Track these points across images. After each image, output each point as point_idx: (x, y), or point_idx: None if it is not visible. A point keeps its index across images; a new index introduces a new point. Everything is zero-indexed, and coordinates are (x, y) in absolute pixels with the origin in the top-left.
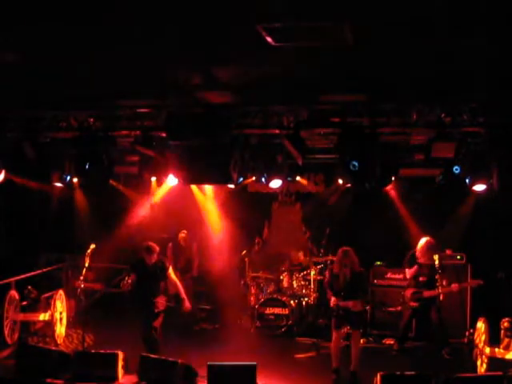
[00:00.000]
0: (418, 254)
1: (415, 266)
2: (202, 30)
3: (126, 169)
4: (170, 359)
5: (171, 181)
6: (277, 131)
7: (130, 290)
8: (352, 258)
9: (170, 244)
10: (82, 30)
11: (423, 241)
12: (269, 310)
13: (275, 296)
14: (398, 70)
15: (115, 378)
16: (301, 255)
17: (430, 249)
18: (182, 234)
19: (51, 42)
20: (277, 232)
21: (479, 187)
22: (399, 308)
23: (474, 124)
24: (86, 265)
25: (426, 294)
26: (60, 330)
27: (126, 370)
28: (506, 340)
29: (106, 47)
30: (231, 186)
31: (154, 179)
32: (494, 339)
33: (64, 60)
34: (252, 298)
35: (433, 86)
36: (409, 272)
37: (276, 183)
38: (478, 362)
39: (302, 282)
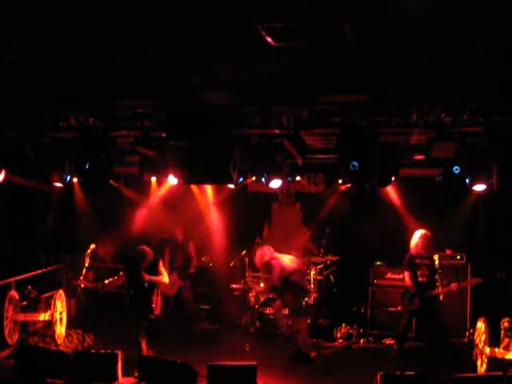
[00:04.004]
0: (413, 249)
1: (408, 271)
2: (202, 30)
3: (126, 169)
4: (170, 359)
5: (171, 181)
6: (277, 131)
7: None
8: None
9: (168, 247)
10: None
11: (417, 234)
12: (269, 310)
13: (275, 296)
14: (397, 69)
15: (115, 378)
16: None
17: (425, 241)
18: (179, 231)
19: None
20: (277, 232)
21: (479, 187)
22: (399, 308)
23: (474, 124)
24: (86, 265)
25: (427, 294)
26: (60, 330)
27: (126, 370)
28: (506, 340)
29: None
30: (231, 185)
31: (154, 179)
32: (494, 339)
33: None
34: (252, 298)
35: (433, 86)
36: (407, 275)
37: (276, 183)
38: (478, 362)
39: None
